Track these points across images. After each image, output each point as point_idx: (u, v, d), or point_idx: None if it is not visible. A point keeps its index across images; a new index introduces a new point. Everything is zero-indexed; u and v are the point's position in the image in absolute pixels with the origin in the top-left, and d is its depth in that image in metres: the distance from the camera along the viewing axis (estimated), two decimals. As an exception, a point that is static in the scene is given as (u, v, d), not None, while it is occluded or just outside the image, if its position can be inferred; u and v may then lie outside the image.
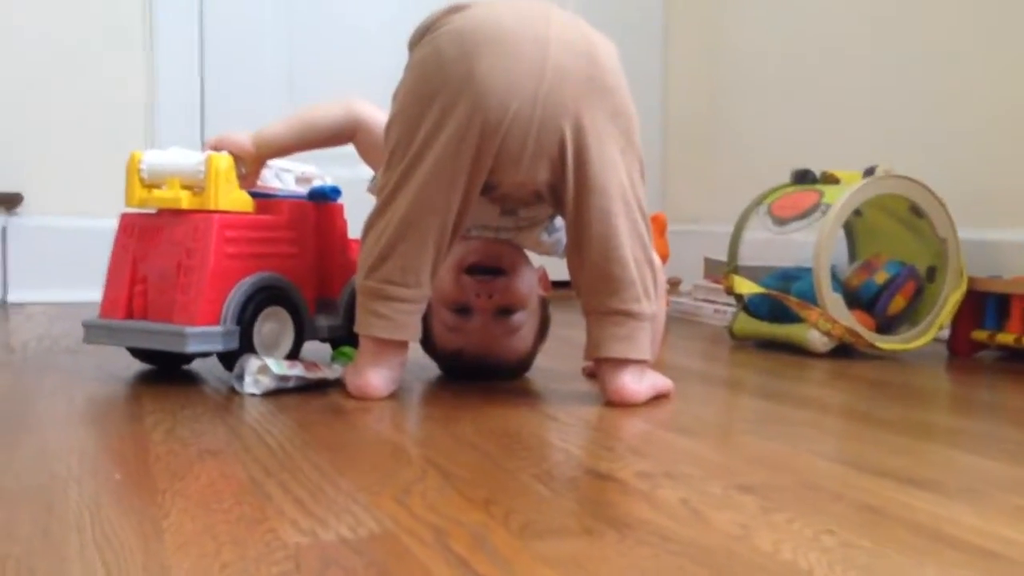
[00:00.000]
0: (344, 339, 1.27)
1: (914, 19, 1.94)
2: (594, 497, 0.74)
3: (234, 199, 1.17)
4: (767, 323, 1.66)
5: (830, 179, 1.66)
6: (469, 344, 1.18)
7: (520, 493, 0.73)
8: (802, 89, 2.25)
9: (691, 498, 0.72)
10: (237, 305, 1.12)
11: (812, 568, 0.58)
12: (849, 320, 1.54)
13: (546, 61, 1.02)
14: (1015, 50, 1.73)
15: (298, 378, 1.11)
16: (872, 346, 1.55)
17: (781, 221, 1.65)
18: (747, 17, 2.46)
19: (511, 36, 1.03)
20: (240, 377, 1.10)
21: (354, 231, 1.20)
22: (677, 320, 2.05)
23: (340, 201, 1.29)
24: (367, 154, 1.29)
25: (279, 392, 1.10)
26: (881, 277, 1.64)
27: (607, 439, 0.95)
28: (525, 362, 1.24)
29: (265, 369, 1.10)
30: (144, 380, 1.19)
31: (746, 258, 1.76)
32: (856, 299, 1.63)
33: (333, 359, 1.26)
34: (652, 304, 1.08)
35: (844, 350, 1.56)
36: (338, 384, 1.13)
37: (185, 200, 1.15)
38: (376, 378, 1.08)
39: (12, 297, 2.18)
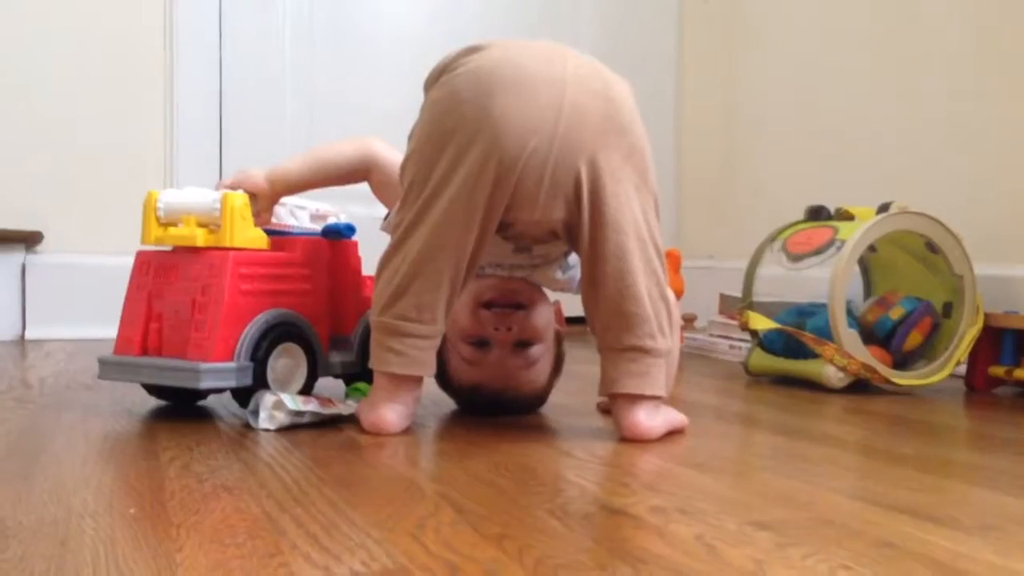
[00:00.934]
0: (358, 375, 1.28)
1: (929, 56, 1.95)
2: (608, 533, 0.74)
3: (249, 236, 1.18)
4: (782, 359, 1.65)
5: (844, 215, 1.66)
6: (487, 377, 1.18)
7: (534, 529, 0.73)
8: (817, 125, 2.26)
9: (706, 534, 0.71)
10: (251, 341, 1.13)
11: (828, 604, 0.57)
12: (865, 356, 1.54)
13: (563, 101, 1.03)
14: (1028, 86, 1.73)
15: (312, 414, 1.12)
16: (889, 381, 1.54)
17: (796, 257, 1.64)
18: (762, 54, 2.48)
19: (528, 77, 1.04)
20: (255, 413, 1.11)
21: (368, 268, 1.21)
22: (692, 356, 2.05)
23: (355, 238, 1.30)
24: (381, 192, 1.30)
25: (293, 428, 1.10)
26: (896, 313, 1.63)
27: (621, 475, 0.95)
28: (541, 396, 1.25)
29: (280, 404, 1.10)
30: (159, 416, 1.19)
31: (761, 294, 1.76)
32: (872, 335, 1.63)
33: (347, 395, 1.26)
34: (667, 340, 1.08)
35: (860, 386, 1.55)
36: (352, 420, 1.13)
37: (201, 238, 1.16)
38: (390, 414, 1.08)
39: (31, 334, 2.20)
